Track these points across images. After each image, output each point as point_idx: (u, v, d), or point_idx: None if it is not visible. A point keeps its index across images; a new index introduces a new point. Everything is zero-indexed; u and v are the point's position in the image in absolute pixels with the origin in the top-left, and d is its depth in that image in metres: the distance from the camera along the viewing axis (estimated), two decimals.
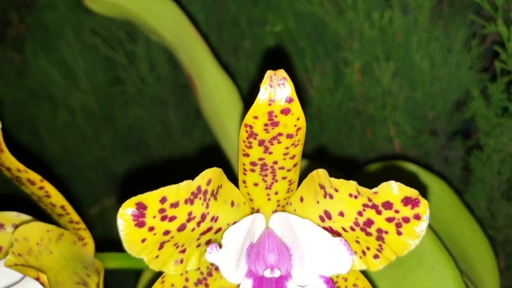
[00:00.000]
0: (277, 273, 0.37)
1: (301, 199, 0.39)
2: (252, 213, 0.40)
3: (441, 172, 0.78)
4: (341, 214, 0.36)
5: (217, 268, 0.40)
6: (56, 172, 1.10)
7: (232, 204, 0.38)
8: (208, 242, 0.38)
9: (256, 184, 0.39)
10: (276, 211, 0.40)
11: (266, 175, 0.38)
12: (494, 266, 0.57)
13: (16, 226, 0.46)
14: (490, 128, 0.72)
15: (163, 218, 0.34)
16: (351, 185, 0.35)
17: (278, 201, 0.40)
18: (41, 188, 0.42)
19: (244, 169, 0.38)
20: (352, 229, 0.36)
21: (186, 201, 0.34)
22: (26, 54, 1.08)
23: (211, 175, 0.35)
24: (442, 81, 0.76)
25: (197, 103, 0.97)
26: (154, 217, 0.33)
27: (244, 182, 0.39)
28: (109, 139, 1.07)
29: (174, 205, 0.34)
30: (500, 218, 0.74)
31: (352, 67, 0.79)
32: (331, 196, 0.36)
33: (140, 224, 0.33)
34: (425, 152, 0.80)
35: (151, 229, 0.34)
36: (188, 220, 0.35)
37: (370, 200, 0.35)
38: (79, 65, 1.04)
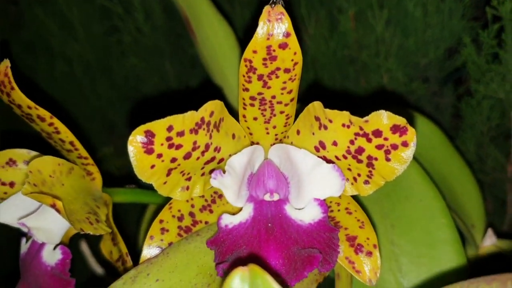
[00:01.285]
0: (276, 197, 0.40)
1: (298, 132, 0.41)
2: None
3: (432, 118, 0.81)
4: (335, 143, 0.39)
5: (220, 196, 0.43)
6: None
7: (233, 136, 0.40)
8: (211, 172, 0.40)
9: (255, 119, 0.41)
10: (274, 144, 0.42)
11: (265, 110, 0.40)
12: (481, 204, 0.60)
13: (27, 163, 0.48)
14: (480, 75, 0.74)
15: (170, 146, 0.36)
16: (344, 115, 0.37)
17: (276, 134, 0.42)
18: (50, 124, 0.44)
19: (244, 104, 0.40)
20: (345, 157, 0.39)
21: (191, 131, 0.36)
22: (21, 5, 1.08)
23: (213, 107, 0.37)
24: (434, 29, 0.78)
25: (193, 52, 0.98)
26: (161, 144, 0.36)
27: (244, 116, 0.41)
28: (106, 89, 1.08)
29: (180, 134, 0.36)
30: (488, 162, 0.77)
31: (346, 14, 0.80)
32: (325, 127, 0.39)
33: (149, 151, 0.35)
34: (417, 99, 0.82)
35: (159, 156, 0.36)
36: (193, 149, 0.37)
37: (361, 129, 0.37)
38: (75, 16, 1.04)
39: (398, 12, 0.78)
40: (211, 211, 0.42)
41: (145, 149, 0.35)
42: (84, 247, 0.70)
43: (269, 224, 0.38)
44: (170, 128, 0.35)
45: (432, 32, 0.78)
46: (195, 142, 0.37)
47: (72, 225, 0.39)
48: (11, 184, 0.48)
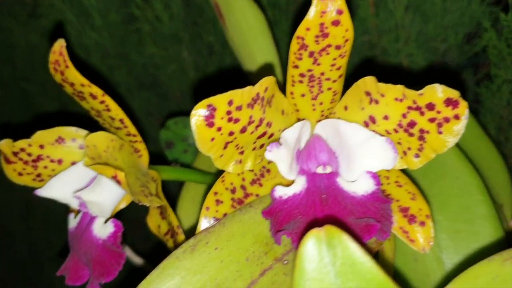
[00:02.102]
0: (328, 169, 0.41)
1: (345, 108, 0.42)
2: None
3: None
4: (386, 117, 0.40)
5: (268, 170, 0.44)
6: (71, 111, 1.12)
7: (283, 112, 0.42)
8: (262, 146, 0.42)
9: (303, 95, 0.42)
10: (319, 120, 0.44)
11: (313, 86, 0.42)
12: (508, 184, 0.62)
13: (75, 141, 0.49)
14: (500, 59, 0.75)
15: (229, 120, 0.37)
16: (398, 89, 0.39)
17: (322, 111, 0.43)
18: (102, 102, 0.45)
19: (293, 81, 0.41)
20: (396, 131, 0.40)
21: (248, 105, 0.38)
22: None
23: (268, 83, 0.39)
24: (454, 14, 0.79)
25: (210, 40, 1.00)
26: (222, 118, 0.37)
27: (291, 93, 0.42)
28: (123, 78, 1.09)
29: (239, 108, 0.37)
30: (508, 146, 0.78)
31: (366, 0, 0.81)
32: (376, 102, 0.40)
33: (210, 124, 0.37)
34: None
35: (219, 129, 0.37)
36: (249, 123, 0.39)
37: (414, 102, 0.38)
38: (92, 4, 1.05)
39: None
40: (260, 185, 0.44)
41: (207, 123, 0.37)
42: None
43: (323, 196, 0.40)
44: (230, 103, 0.37)
45: (451, 17, 0.79)
46: (251, 117, 0.38)
47: (132, 196, 0.40)
48: (59, 161, 0.49)
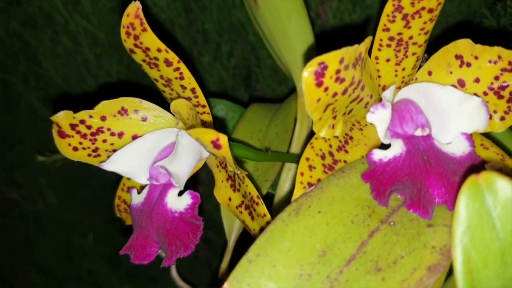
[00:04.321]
0: (426, 131, 0.41)
1: (429, 73, 0.43)
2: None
3: None
4: (477, 80, 0.41)
5: (351, 138, 0.44)
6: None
7: (371, 77, 0.42)
8: (350, 112, 0.41)
9: (388, 60, 0.42)
10: (399, 87, 0.44)
11: (399, 51, 0.42)
12: None
13: (137, 112, 0.47)
14: None
15: (336, 80, 0.37)
16: (494, 51, 0.39)
17: (403, 77, 0.44)
18: (176, 69, 0.43)
19: (380, 45, 0.42)
20: (485, 93, 0.41)
21: (353, 65, 0.37)
22: None
23: (368, 43, 0.38)
24: (453, 2, 0.82)
25: (204, 27, 0.98)
26: (330, 77, 0.36)
27: (376, 58, 0.42)
28: (114, 67, 1.06)
29: (346, 67, 0.37)
30: None
31: None
32: (468, 65, 0.41)
33: (319, 84, 0.36)
34: None
35: (326, 89, 0.37)
36: (350, 85, 0.38)
37: (510, 63, 0.39)
38: None
39: None
40: (346, 151, 0.43)
41: (316, 82, 0.36)
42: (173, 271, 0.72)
43: (424, 157, 0.40)
44: (341, 60, 0.36)
45: (449, 6, 0.82)
46: (353, 77, 0.38)
47: (231, 163, 0.39)
48: (120, 135, 0.47)
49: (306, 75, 0.36)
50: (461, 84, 0.42)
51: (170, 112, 0.47)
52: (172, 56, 0.43)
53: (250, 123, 0.65)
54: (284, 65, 0.68)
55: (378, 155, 0.40)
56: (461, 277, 0.29)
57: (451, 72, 0.42)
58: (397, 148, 0.40)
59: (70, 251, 1.19)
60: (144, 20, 0.41)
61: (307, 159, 0.42)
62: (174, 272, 0.74)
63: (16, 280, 1.23)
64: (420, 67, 0.44)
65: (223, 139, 0.37)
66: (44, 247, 1.17)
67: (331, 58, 0.36)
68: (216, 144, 0.38)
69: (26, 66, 1.09)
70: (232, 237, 0.59)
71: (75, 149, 0.47)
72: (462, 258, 0.29)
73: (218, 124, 0.75)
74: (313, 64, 0.36)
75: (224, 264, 0.60)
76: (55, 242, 1.16)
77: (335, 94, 0.38)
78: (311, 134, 0.67)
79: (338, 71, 0.37)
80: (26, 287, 1.22)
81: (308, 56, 0.66)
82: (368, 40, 0.38)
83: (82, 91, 1.08)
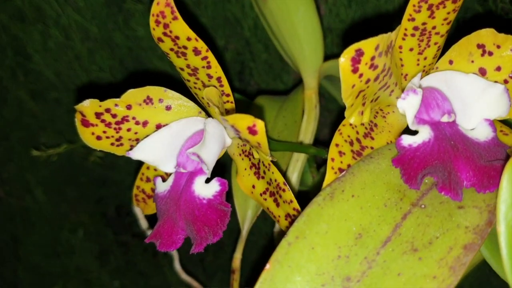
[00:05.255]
0: (452, 118, 0.43)
1: (450, 62, 0.44)
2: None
3: None
4: (498, 68, 0.43)
5: (375, 125, 0.45)
6: (51, 96, 1.07)
7: (396, 65, 0.43)
8: (377, 99, 0.43)
9: (411, 49, 0.44)
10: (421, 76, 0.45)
11: (422, 40, 0.43)
12: None
13: (162, 101, 0.47)
14: None
15: (371, 66, 0.38)
16: None
17: (424, 66, 0.45)
18: (204, 58, 0.44)
19: (405, 34, 0.43)
20: (505, 81, 0.43)
21: (385, 53, 0.39)
22: None
23: (398, 32, 0.40)
24: None
25: (198, 22, 0.98)
26: (366, 63, 0.37)
27: (400, 47, 0.44)
28: (107, 61, 1.06)
29: (380, 54, 0.38)
30: None
31: None
32: (490, 53, 0.42)
33: (355, 70, 0.37)
34: None
35: (361, 76, 0.38)
36: (382, 71, 0.40)
37: None
38: None
39: None
40: (372, 138, 0.45)
41: (353, 68, 0.37)
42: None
43: (451, 142, 0.41)
44: (377, 47, 0.37)
45: None
46: (385, 64, 0.39)
47: (263, 148, 0.40)
48: (144, 124, 0.47)
49: (343, 61, 0.37)
50: (482, 72, 0.43)
51: (193, 101, 0.47)
52: (202, 45, 0.43)
53: (258, 114, 0.66)
54: (290, 57, 0.69)
55: (407, 140, 0.41)
56: (505, 251, 0.31)
57: (472, 61, 0.43)
58: (425, 134, 0.42)
59: (58, 248, 1.17)
60: (175, 9, 0.42)
61: (337, 145, 0.43)
62: (177, 265, 0.74)
63: (2, 277, 1.21)
64: None
65: (260, 125, 0.38)
66: (31, 244, 1.16)
67: (368, 45, 0.37)
68: (252, 130, 0.38)
69: (14, 60, 1.08)
70: (245, 227, 0.60)
71: (99, 138, 0.47)
72: (506, 233, 0.31)
73: None
74: (350, 51, 0.37)
75: (238, 254, 0.60)
76: (43, 238, 1.15)
77: (368, 81, 0.39)
78: (319, 125, 0.68)
79: (373, 58, 0.38)
80: (13, 284, 1.21)
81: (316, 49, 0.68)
82: (398, 29, 0.40)
83: (74, 86, 1.07)
